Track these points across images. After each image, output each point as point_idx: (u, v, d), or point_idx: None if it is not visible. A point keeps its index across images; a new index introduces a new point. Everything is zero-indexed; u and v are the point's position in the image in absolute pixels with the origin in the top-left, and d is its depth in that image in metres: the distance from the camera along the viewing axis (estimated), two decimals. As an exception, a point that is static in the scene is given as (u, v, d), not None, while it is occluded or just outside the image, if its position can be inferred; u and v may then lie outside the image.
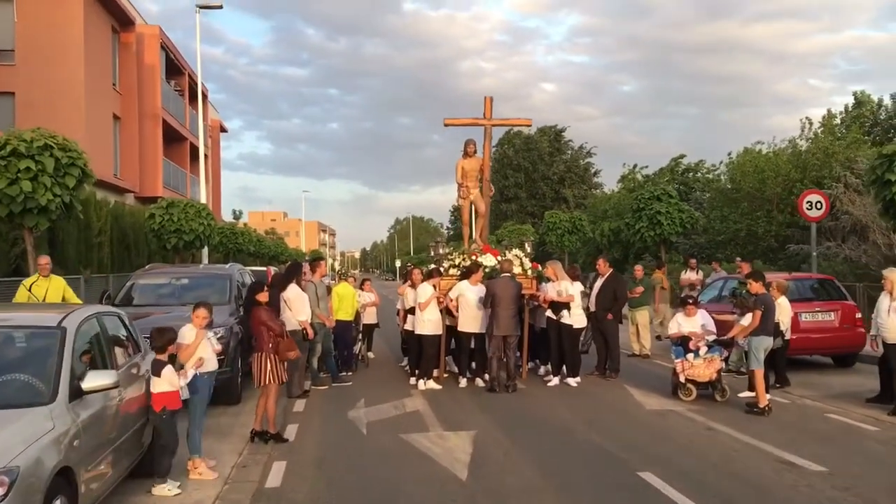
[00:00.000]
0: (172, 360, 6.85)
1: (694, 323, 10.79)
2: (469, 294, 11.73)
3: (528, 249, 12.87)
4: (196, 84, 27.78)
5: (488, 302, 11.35)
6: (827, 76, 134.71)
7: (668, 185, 46.35)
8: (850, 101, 42.05)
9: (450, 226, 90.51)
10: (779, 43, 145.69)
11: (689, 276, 18.67)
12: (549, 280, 12.19)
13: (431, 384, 11.69)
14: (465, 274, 11.90)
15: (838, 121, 40.80)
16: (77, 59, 24.97)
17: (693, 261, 19.55)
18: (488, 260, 12.49)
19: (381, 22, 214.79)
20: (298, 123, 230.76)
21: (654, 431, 8.74)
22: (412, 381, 12.16)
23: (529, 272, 12.58)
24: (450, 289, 12.19)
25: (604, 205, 50.14)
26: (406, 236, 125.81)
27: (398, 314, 14.39)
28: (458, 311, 11.85)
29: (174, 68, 36.42)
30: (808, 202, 16.10)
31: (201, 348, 7.16)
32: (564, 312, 11.69)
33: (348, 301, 13.31)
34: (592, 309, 12.47)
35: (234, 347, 10.62)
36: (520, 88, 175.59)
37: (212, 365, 7.32)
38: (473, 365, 12.13)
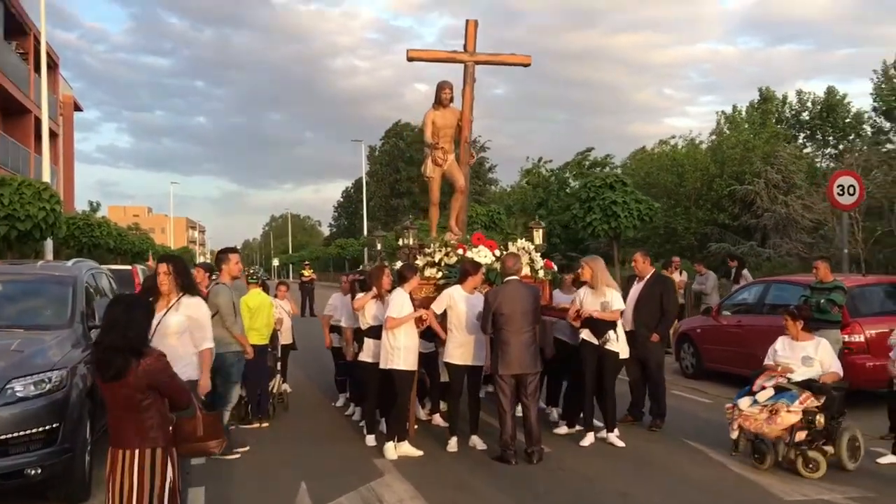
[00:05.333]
0: None
1: (796, 353, 7.21)
2: (463, 306, 7.59)
3: (539, 240, 8.86)
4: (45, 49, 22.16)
5: (489, 322, 7.27)
6: (681, 86, 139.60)
7: (572, 177, 43.95)
8: (754, 97, 40.50)
9: (333, 222, 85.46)
10: (639, 53, 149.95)
11: (673, 277, 15.22)
12: (575, 286, 8.24)
13: (407, 449, 7.46)
14: (460, 276, 7.76)
15: (744, 114, 39.37)
16: None
17: (676, 259, 16.18)
18: (482, 255, 8.38)
19: (249, 13, 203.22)
20: (162, 116, 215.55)
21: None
22: (370, 440, 7.91)
23: (541, 273, 8.58)
24: (425, 300, 8.08)
25: (506, 200, 47.07)
26: (282, 234, 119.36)
27: (330, 331, 10.13)
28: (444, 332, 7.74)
29: (15, 27, 30.08)
30: (839, 186, 12.83)
31: None
32: (611, 335, 7.74)
33: (262, 316, 8.91)
34: (628, 327, 8.60)
35: (76, 403, 6.05)
36: (393, 87, 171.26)
37: None
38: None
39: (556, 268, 8.73)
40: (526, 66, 9.60)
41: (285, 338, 10.59)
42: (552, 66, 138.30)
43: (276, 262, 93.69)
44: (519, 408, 7.54)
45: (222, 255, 7.94)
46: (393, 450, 7.40)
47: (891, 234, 21.57)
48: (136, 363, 3.89)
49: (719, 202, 30.92)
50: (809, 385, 6.93)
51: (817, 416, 6.75)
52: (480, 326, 7.45)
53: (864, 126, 35.42)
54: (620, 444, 7.77)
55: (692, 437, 8.08)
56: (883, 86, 32.26)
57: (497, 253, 8.44)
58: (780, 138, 33.91)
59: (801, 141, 38.24)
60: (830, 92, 37.86)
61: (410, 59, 9.40)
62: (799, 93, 39.08)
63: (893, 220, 21.33)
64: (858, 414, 8.11)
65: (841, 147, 36.76)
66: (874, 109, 33.47)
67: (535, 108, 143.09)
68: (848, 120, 37.26)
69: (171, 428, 4.09)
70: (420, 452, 7.46)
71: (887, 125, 32.97)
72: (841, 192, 12.87)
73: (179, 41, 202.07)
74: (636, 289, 8.75)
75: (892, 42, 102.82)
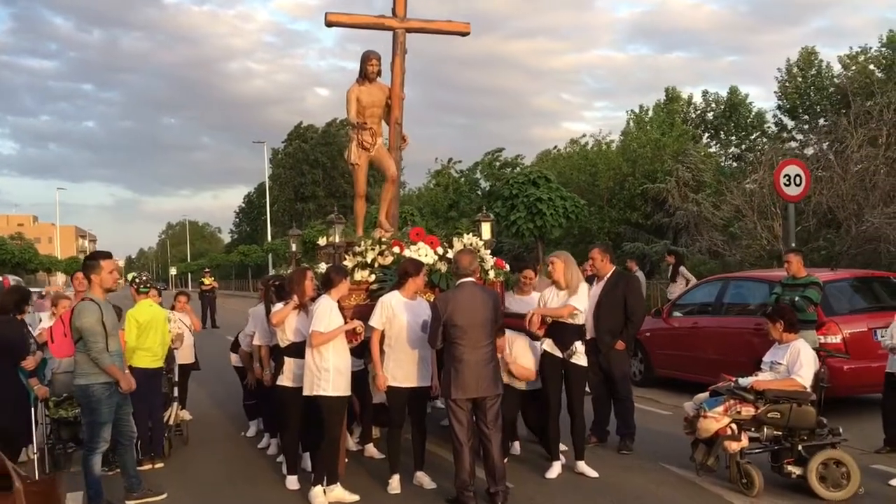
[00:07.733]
0: None
1: (778, 355, 6.46)
2: (404, 316, 6.26)
3: (488, 234, 7.60)
4: None
5: (438, 334, 5.96)
6: (577, 92, 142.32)
7: (483, 178, 43.22)
8: (659, 98, 40.68)
9: (234, 229, 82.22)
10: (536, 59, 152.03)
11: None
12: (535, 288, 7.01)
13: (339, 493, 6.07)
14: (398, 279, 6.40)
15: (651, 114, 39.50)
16: None
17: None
18: (423, 254, 7.05)
19: (139, 14, 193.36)
20: (48, 120, 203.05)
21: None
22: (291, 482, 6.47)
23: (492, 274, 7.32)
24: (356, 309, 6.71)
25: (416, 202, 45.87)
26: (180, 242, 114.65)
27: (237, 352, 8.65)
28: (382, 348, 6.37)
29: None
30: (785, 176, 12.08)
31: None
32: (578, 346, 6.55)
33: (155, 333, 7.33)
34: (588, 334, 7.42)
35: None
36: (293, 92, 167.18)
37: None
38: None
39: (507, 267, 7.49)
40: (464, 34, 8.35)
41: (186, 356, 9.03)
42: (452, 72, 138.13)
43: (173, 272, 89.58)
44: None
45: (92, 261, 6.07)
46: (322, 495, 5.99)
47: (807, 230, 21.47)
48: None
49: (632, 201, 30.71)
50: (732, 391, 6.17)
51: (764, 428, 6.00)
52: (428, 339, 6.14)
53: (769, 124, 35.91)
54: (593, 473, 6.58)
55: (670, 460, 6.96)
56: (787, 84, 32.73)
57: (440, 251, 7.13)
58: (689, 137, 34.06)
59: (705, 140, 38.59)
60: (733, 92, 38.38)
61: (329, 25, 8.02)
62: (704, 93, 39.48)
63: (809, 217, 21.19)
64: (846, 424, 7.19)
65: (743, 147, 37.29)
66: (778, 108, 33.97)
67: (435, 112, 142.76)
68: (750, 119, 37.83)
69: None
70: (356, 497, 6.07)
71: (791, 123, 33.47)
72: (787, 182, 12.14)
73: (65, 43, 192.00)
74: (595, 290, 7.59)
75: (771, 49, 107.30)
